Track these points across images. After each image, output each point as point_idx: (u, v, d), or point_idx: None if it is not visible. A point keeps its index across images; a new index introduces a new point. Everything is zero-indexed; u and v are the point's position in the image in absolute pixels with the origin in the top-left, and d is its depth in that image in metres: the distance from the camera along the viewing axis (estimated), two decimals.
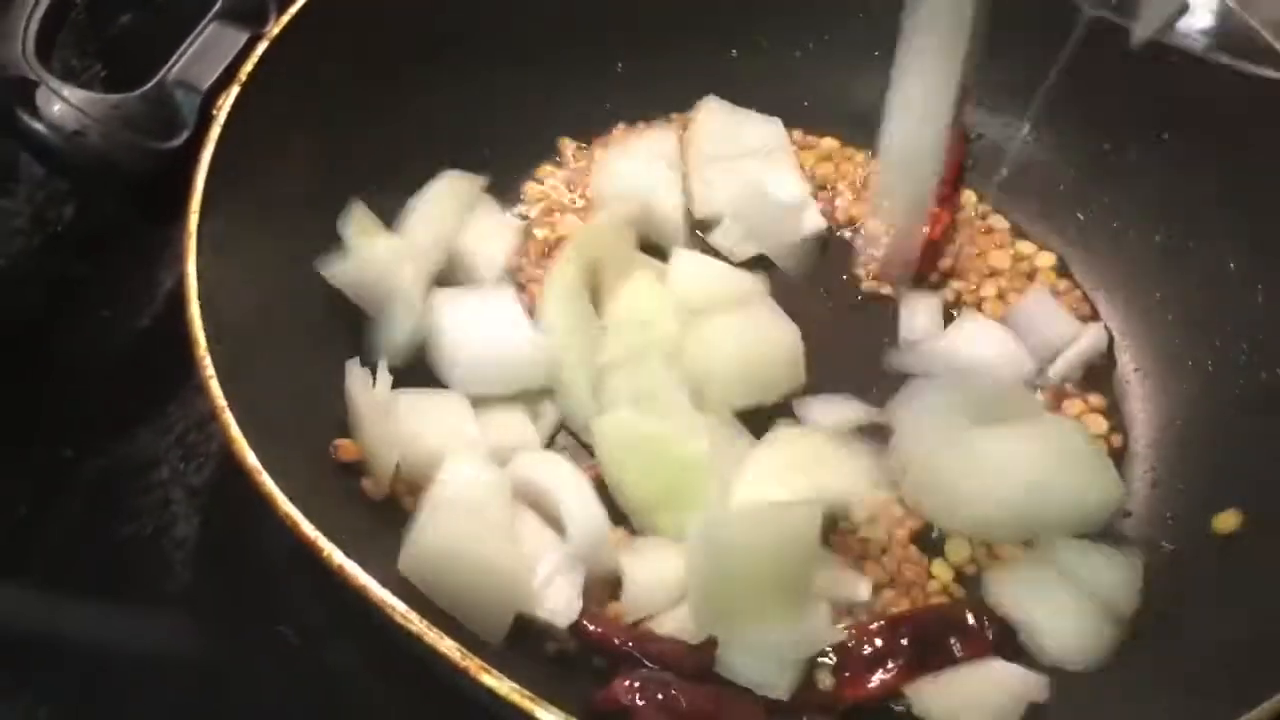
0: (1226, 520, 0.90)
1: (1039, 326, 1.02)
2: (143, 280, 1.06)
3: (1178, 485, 0.94)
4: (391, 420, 0.89)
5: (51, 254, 1.07)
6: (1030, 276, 1.08)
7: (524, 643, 0.84)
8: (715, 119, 1.13)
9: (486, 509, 0.84)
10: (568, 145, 1.12)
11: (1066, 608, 0.86)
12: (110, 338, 1.04)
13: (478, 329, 0.96)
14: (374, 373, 0.91)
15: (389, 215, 1.00)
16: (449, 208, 1.02)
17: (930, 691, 0.83)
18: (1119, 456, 0.97)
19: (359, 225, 0.97)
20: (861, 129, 1.12)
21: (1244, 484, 0.91)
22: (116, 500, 0.94)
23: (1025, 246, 1.10)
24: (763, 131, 1.13)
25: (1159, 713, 0.80)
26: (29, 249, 1.06)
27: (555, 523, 0.87)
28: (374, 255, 0.95)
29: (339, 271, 0.94)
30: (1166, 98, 1.01)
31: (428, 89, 1.04)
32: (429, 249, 0.99)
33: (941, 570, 0.91)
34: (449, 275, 1.01)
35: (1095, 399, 1.01)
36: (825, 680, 0.83)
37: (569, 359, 0.95)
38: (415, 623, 0.68)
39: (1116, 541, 0.90)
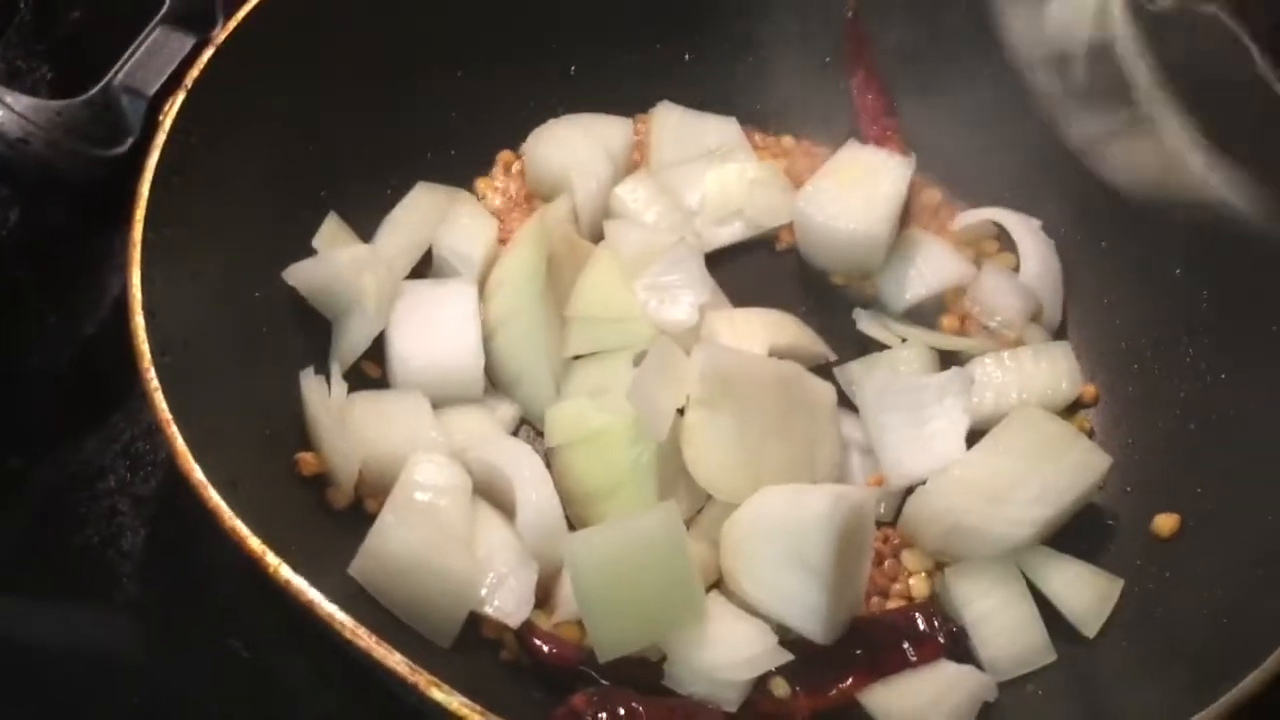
0: (1165, 523, 0.91)
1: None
2: (89, 286, 1.04)
3: (1124, 487, 0.95)
4: (349, 426, 0.88)
5: None
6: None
7: (475, 651, 0.83)
8: (670, 122, 1.13)
9: (445, 511, 0.84)
10: (509, 158, 1.11)
11: (1019, 617, 0.87)
12: (56, 345, 1.03)
13: (429, 331, 0.95)
14: (329, 379, 0.90)
15: (355, 219, 1.00)
16: (421, 218, 1.02)
17: (885, 695, 0.83)
18: None
19: (329, 234, 0.97)
20: (820, 129, 1.14)
21: (1184, 486, 0.92)
22: (64, 510, 0.93)
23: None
24: (719, 130, 1.13)
25: (1112, 706, 0.81)
26: None
27: (510, 511, 0.87)
28: (337, 262, 0.95)
29: (300, 276, 0.93)
30: None
31: (380, 92, 1.03)
32: (396, 257, 0.99)
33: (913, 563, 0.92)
34: (432, 270, 1.01)
35: None
36: (780, 688, 0.83)
37: (531, 349, 0.95)
38: (363, 637, 0.68)
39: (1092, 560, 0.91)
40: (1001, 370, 0.97)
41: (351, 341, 0.94)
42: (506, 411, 0.96)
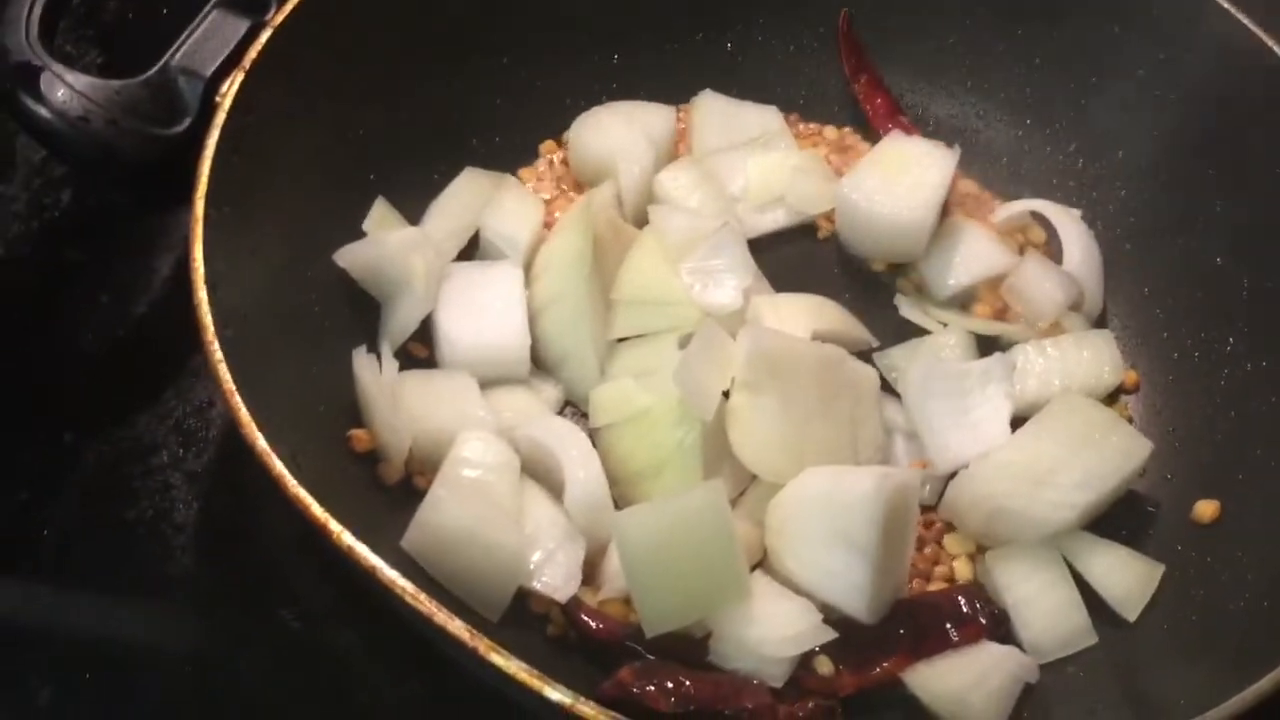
0: (1205, 509, 0.92)
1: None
2: (140, 266, 1.06)
3: (1164, 474, 0.96)
4: (400, 404, 0.89)
5: (48, 240, 1.07)
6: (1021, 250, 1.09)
7: (523, 626, 0.85)
8: (712, 111, 1.14)
9: (494, 487, 0.86)
10: (553, 147, 1.12)
11: (1061, 600, 0.88)
12: (108, 324, 1.04)
13: (476, 312, 0.96)
14: (380, 359, 0.92)
15: (403, 204, 1.02)
16: (468, 202, 1.03)
17: (928, 676, 0.84)
18: None
19: (379, 217, 0.99)
20: (861, 119, 1.15)
21: (1224, 473, 0.93)
22: (117, 485, 0.95)
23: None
24: (761, 119, 1.14)
25: (1152, 688, 0.81)
26: (26, 234, 1.07)
27: (557, 489, 0.88)
28: (386, 244, 0.96)
29: (351, 258, 0.95)
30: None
31: (428, 77, 1.05)
32: (443, 240, 1.00)
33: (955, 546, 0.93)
34: (479, 253, 1.03)
35: None
36: (825, 666, 0.84)
37: (576, 332, 0.96)
38: (424, 603, 0.69)
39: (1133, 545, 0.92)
40: (1044, 357, 0.98)
41: (401, 322, 0.95)
42: (551, 393, 0.97)
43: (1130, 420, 0.99)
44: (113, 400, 1.00)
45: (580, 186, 1.09)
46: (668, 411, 0.90)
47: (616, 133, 1.08)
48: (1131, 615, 0.88)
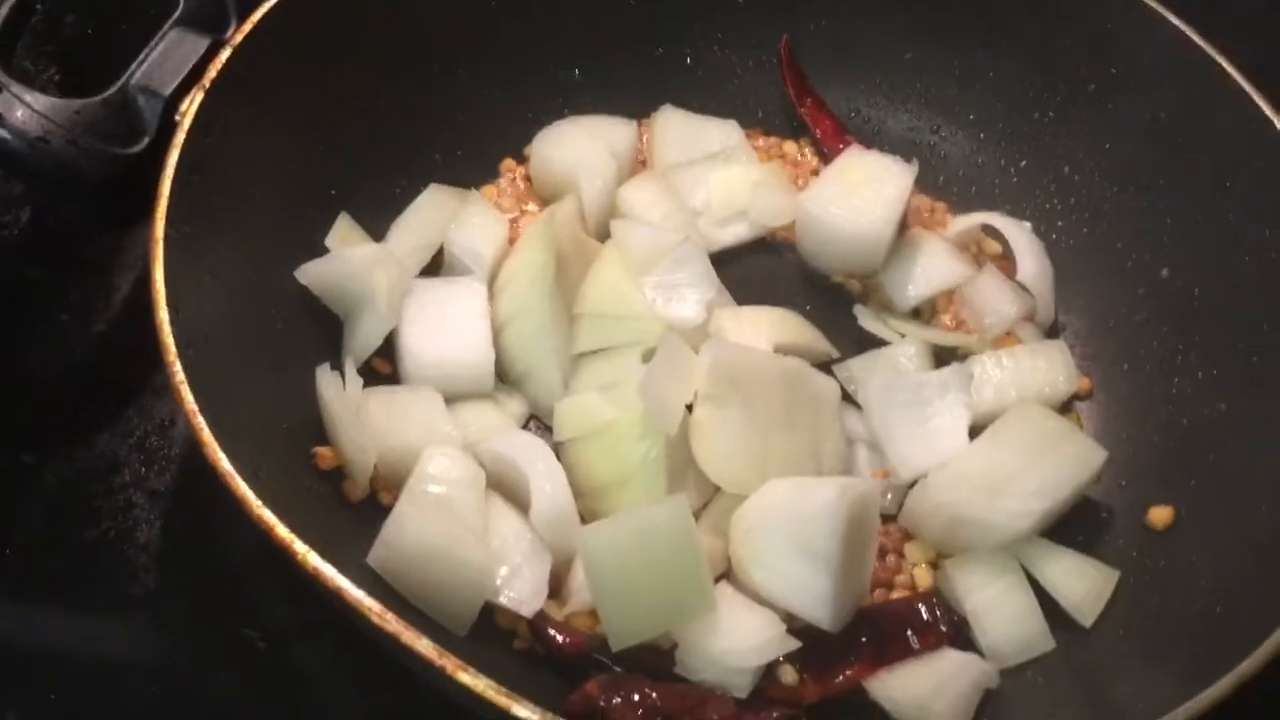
0: (1160, 515, 0.94)
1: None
2: (99, 285, 1.05)
3: (1119, 481, 0.98)
4: (364, 420, 0.90)
5: (7, 258, 1.07)
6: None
7: (490, 640, 0.85)
8: (672, 125, 1.15)
9: (459, 502, 0.86)
10: (512, 167, 1.13)
11: (1018, 606, 0.89)
12: (67, 343, 1.04)
13: (440, 327, 0.96)
14: (344, 375, 0.92)
15: (366, 220, 1.02)
16: (432, 218, 1.04)
17: (890, 684, 0.85)
18: None
19: (342, 233, 0.99)
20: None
21: (1177, 479, 0.95)
22: (79, 505, 0.94)
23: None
24: (721, 134, 1.15)
25: (1110, 692, 0.83)
26: None
27: (522, 503, 0.89)
28: (349, 260, 0.96)
29: (313, 275, 0.95)
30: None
31: (390, 94, 1.05)
32: (407, 256, 1.01)
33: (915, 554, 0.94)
34: (443, 269, 1.03)
35: None
36: (789, 675, 0.85)
37: (540, 346, 0.96)
38: (391, 622, 0.70)
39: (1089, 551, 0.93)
40: (999, 368, 0.99)
41: (364, 338, 0.96)
42: (515, 407, 0.98)
43: (1084, 428, 1.01)
44: (73, 419, 0.99)
45: (543, 202, 1.10)
46: (632, 425, 0.91)
47: (578, 147, 1.09)
48: (1088, 621, 0.89)
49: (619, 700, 0.78)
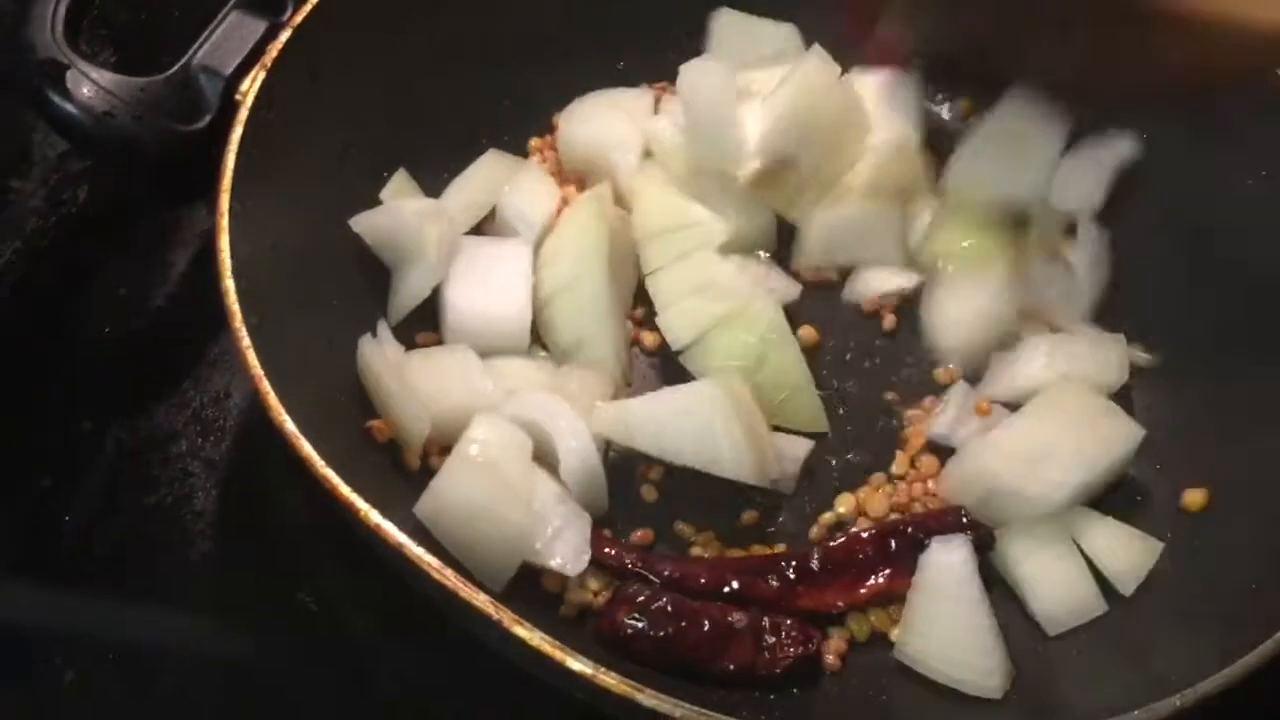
0: (1195, 497, 0.94)
1: None
2: (156, 260, 1.08)
3: (1155, 464, 0.99)
4: (408, 385, 0.92)
5: (66, 234, 1.10)
6: None
7: (536, 604, 0.87)
8: (732, 28, 1.15)
9: (505, 466, 0.88)
10: (539, 146, 1.14)
11: (1070, 572, 0.91)
12: (125, 316, 1.07)
13: (484, 284, 0.99)
14: (383, 338, 0.94)
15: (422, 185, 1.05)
16: (487, 180, 1.06)
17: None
18: None
19: (397, 188, 1.02)
20: None
21: (1213, 464, 0.96)
22: (137, 472, 0.97)
23: None
24: (778, 35, 1.16)
25: (1148, 665, 0.85)
26: (44, 229, 1.09)
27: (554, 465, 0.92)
28: (402, 212, 0.99)
29: (367, 224, 0.98)
30: None
31: (441, 72, 1.07)
32: (458, 213, 1.03)
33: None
34: (491, 229, 1.05)
35: None
36: (845, 504, 0.94)
37: (595, 314, 0.99)
38: (450, 578, 0.72)
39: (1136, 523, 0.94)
40: (1053, 348, 1.00)
41: (411, 290, 0.99)
42: (548, 365, 1.00)
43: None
44: (131, 390, 1.02)
45: (572, 180, 1.11)
46: (742, 313, 0.97)
47: (605, 124, 1.10)
48: (1128, 590, 0.91)
49: (641, 625, 0.83)
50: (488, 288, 0.99)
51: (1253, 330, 0.99)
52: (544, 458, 0.93)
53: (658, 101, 1.13)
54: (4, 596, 0.94)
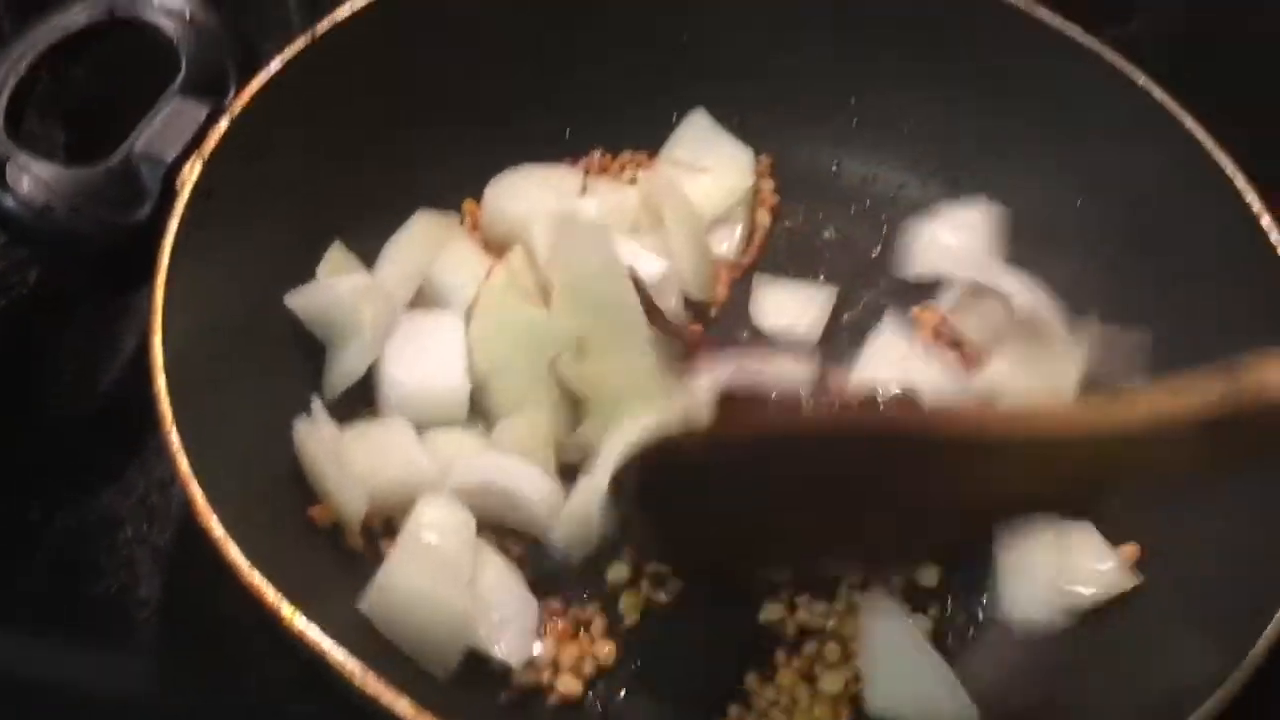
0: (1126, 553, 0.95)
1: None
2: (104, 343, 1.08)
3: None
4: (347, 463, 0.92)
5: (15, 317, 1.10)
6: None
7: (477, 692, 0.88)
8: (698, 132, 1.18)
9: (449, 552, 0.89)
10: (473, 208, 1.14)
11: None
12: (73, 399, 1.07)
13: (420, 357, 1.00)
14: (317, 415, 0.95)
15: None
16: (420, 246, 1.06)
17: None
18: None
19: (333, 263, 1.02)
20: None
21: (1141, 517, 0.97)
22: (82, 559, 0.97)
23: None
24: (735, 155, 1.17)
25: None
26: None
27: (505, 521, 0.93)
28: (337, 289, 0.99)
29: (300, 302, 0.98)
30: None
31: (380, 149, 1.07)
32: (397, 286, 1.04)
33: None
34: (423, 303, 1.05)
35: None
36: None
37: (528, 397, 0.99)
38: (371, 683, 0.73)
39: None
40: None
41: (346, 368, 0.99)
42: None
43: None
44: (79, 475, 1.02)
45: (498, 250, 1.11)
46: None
47: (528, 200, 1.11)
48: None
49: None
50: (424, 361, 1.00)
51: None
52: (500, 521, 0.93)
53: (584, 181, 1.15)
54: None
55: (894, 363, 1.05)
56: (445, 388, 0.99)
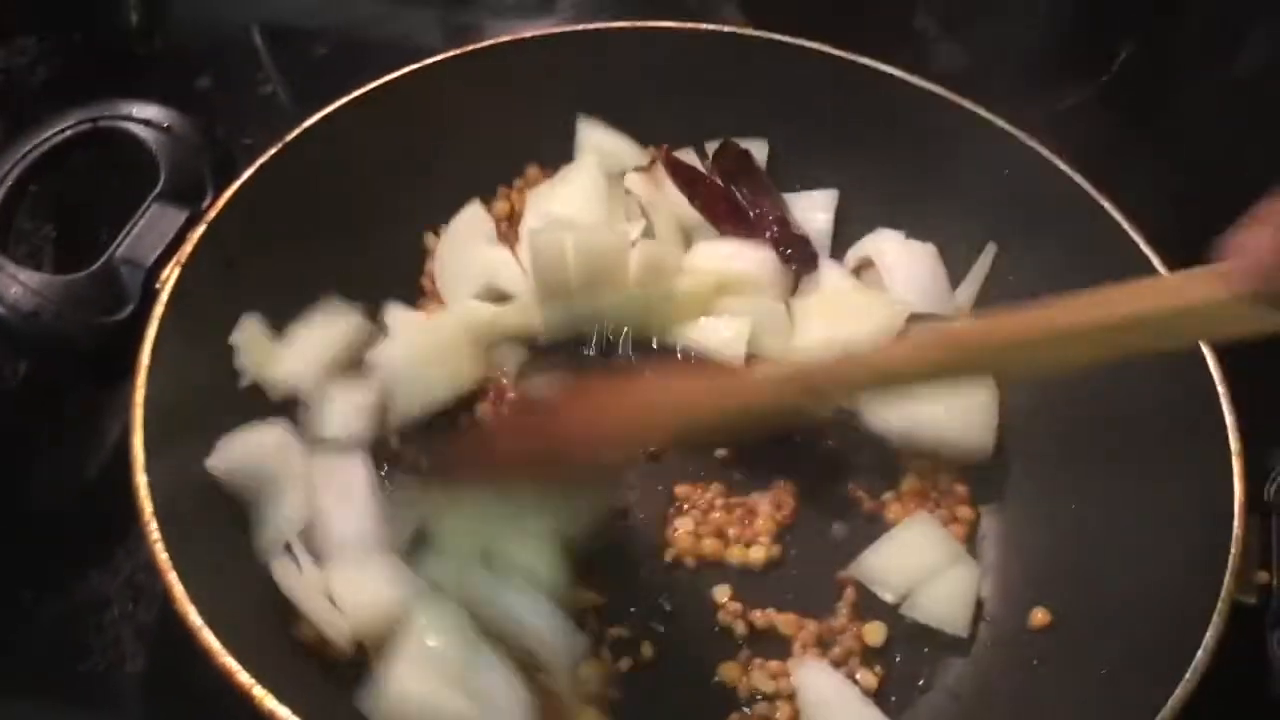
0: (1039, 617, 1.01)
1: None
2: (90, 433, 1.14)
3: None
4: (326, 600, 0.95)
5: (6, 407, 1.16)
6: None
7: None
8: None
9: (451, 654, 0.92)
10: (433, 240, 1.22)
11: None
12: (61, 486, 1.13)
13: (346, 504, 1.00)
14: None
15: None
16: (328, 343, 1.09)
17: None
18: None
19: (249, 336, 1.05)
20: None
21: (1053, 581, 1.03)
22: (71, 639, 1.03)
23: None
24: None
25: None
26: None
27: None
28: (259, 442, 1.00)
29: (223, 464, 0.98)
30: None
31: (365, 250, 1.15)
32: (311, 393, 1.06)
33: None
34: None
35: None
36: None
37: None
38: None
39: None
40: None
41: (283, 521, 0.99)
42: None
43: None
44: (67, 558, 1.08)
45: None
46: None
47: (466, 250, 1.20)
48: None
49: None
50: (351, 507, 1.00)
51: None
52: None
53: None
54: None
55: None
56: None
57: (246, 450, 1.00)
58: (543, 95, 1.22)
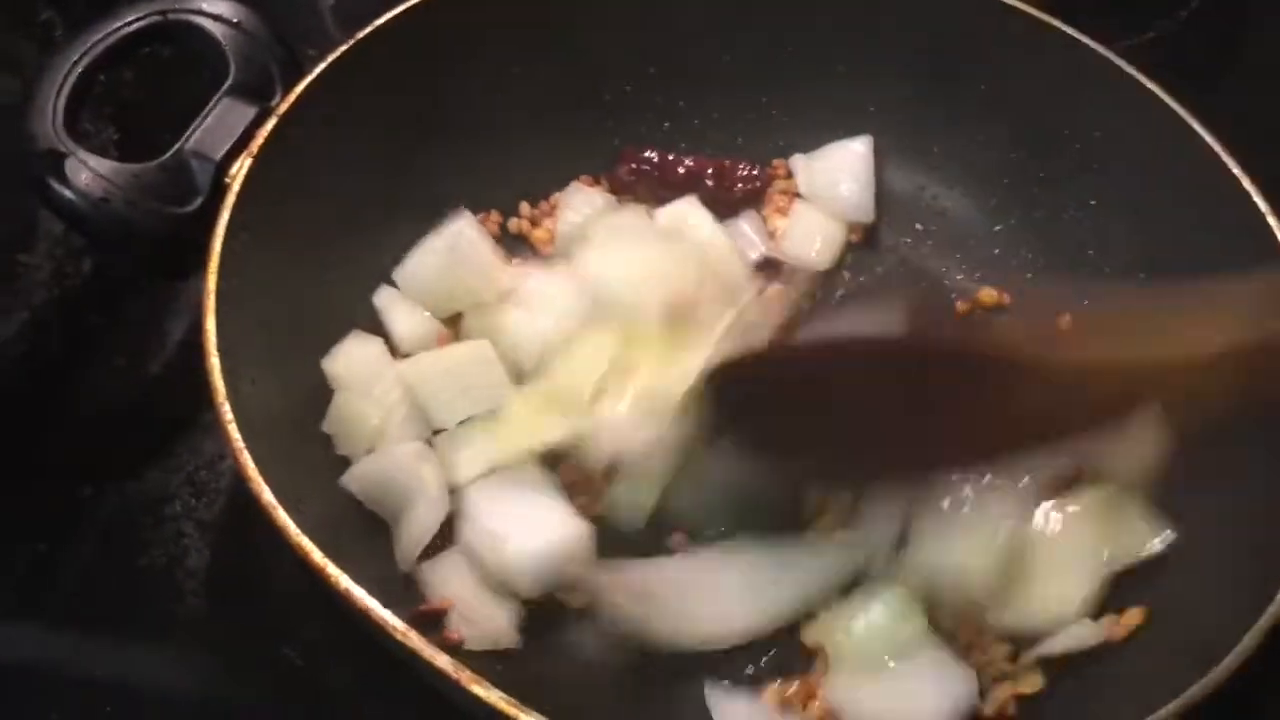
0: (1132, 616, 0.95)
1: None
2: (154, 330, 1.14)
3: None
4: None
5: (70, 305, 1.16)
6: None
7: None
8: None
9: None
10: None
11: None
12: (124, 384, 1.13)
13: (529, 528, 0.94)
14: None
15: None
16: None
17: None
18: None
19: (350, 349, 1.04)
20: None
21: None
22: (131, 534, 1.03)
23: None
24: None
25: None
26: (50, 300, 1.15)
27: None
28: (392, 460, 0.98)
29: (358, 480, 0.97)
30: None
31: (420, 152, 1.13)
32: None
33: None
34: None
35: None
36: None
37: None
38: (413, 639, 0.77)
39: None
40: None
41: (418, 530, 0.95)
42: None
43: None
44: (128, 455, 1.08)
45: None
46: None
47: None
48: None
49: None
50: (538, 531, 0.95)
51: None
52: None
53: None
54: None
55: None
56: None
57: (381, 468, 0.98)
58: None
